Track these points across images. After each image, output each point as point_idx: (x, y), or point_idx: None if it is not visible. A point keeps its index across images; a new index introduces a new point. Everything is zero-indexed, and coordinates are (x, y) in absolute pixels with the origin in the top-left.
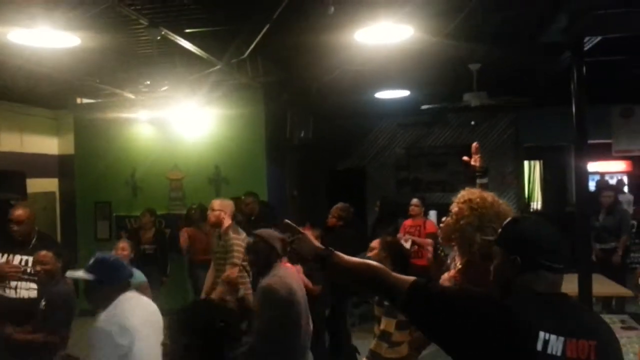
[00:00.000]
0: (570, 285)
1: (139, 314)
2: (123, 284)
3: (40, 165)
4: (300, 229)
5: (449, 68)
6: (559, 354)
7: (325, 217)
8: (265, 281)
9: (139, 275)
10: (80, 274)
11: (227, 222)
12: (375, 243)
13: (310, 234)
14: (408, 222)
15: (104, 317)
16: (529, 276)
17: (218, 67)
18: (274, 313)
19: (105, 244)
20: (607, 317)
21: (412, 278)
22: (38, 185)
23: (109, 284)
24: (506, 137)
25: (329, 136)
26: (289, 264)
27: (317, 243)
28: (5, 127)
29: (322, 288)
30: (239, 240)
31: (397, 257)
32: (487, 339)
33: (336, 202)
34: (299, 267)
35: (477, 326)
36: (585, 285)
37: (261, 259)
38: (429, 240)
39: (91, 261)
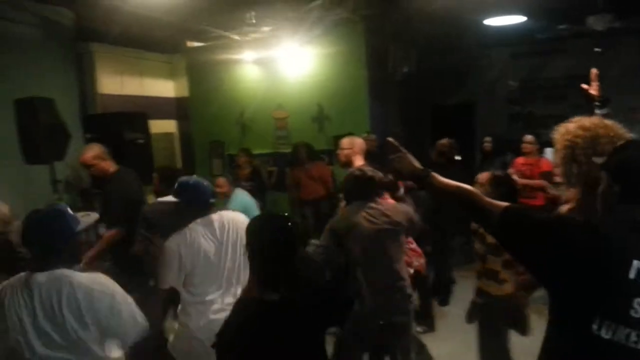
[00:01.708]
0: None
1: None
2: (203, 205)
3: (159, 107)
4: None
5: None
6: None
7: (429, 154)
8: None
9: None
10: (169, 198)
11: (359, 161)
12: (483, 177)
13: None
14: (520, 160)
15: (176, 234)
16: (629, 205)
17: (319, 1)
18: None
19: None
20: None
21: (505, 203)
22: (158, 126)
23: (191, 204)
24: (635, 66)
25: (434, 70)
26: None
27: (417, 163)
28: (127, 71)
29: (422, 225)
30: None
31: (506, 194)
32: (578, 264)
33: (442, 138)
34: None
35: (568, 251)
36: None
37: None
38: (541, 182)
39: (176, 186)
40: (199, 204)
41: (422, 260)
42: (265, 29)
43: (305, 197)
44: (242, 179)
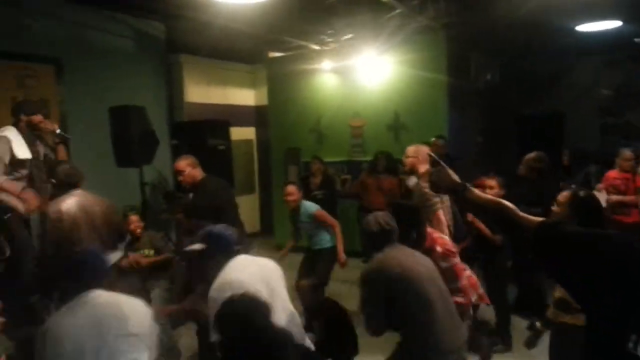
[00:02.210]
0: None
1: (244, 270)
2: (230, 252)
3: (240, 115)
4: (484, 178)
5: None
6: None
7: (513, 166)
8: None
9: (310, 206)
10: (196, 246)
11: (423, 168)
12: (563, 196)
13: (493, 183)
14: (613, 174)
15: (215, 284)
16: None
17: (399, 10)
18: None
19: None
20: None
21: (540, 218)
22: (239, 133)
23: (216, 252)
24: None
25: (519, 78)
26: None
27: (456, 177)
28: (212, 81)
29: (502, 238)
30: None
31: (588, 217)
32: (612, 281)
33: (527, 150)
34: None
35: (603, 267)
36: None
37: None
38: (635, 198)
39: (201, 233)
40: (223, 252)
41: (480, 291)
42: (344, 38)
43: (368, 206)
44: (314, 187)
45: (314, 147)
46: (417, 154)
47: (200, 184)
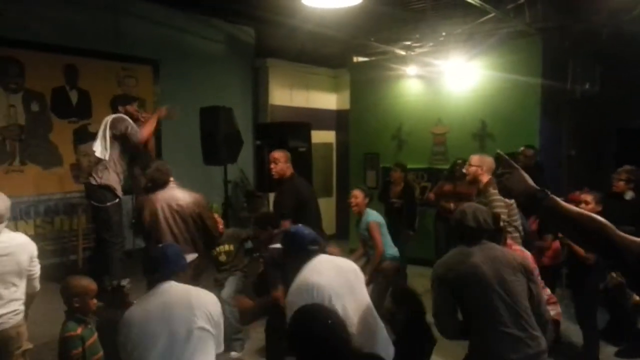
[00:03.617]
0: None
1: (323, 273)
2: (305, 253)
3: (321, 119)
4: (579, 193)
5: None
6: None
7: (609, 183)
8: None
9: (371, 214)
10: (276, 245)
11: (485, 178)
12: None
13: (589, 198)
14: None
15: (293, 286)
16: None
17: (492, 14)
18: None
19: (372, 192)
20: None
21: None
22: (319, 136)
23: (292, 253)
24: None
25: (621, 87)
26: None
27: (531, 182)
28: (296, 85)
29: (595, 257)
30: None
31: None
32: None
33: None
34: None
35: None
36: None
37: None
38: None
39: (283, 233)
40: (297, 251)
41: (558, 309)
42: (431, 43)
43: (444, 213)
44: (393, 196)
45: (394, 153)
46: (481, 163)
47: (287, 180)
